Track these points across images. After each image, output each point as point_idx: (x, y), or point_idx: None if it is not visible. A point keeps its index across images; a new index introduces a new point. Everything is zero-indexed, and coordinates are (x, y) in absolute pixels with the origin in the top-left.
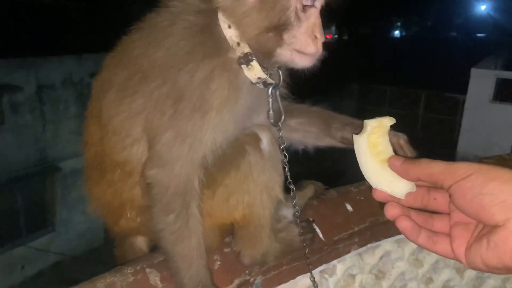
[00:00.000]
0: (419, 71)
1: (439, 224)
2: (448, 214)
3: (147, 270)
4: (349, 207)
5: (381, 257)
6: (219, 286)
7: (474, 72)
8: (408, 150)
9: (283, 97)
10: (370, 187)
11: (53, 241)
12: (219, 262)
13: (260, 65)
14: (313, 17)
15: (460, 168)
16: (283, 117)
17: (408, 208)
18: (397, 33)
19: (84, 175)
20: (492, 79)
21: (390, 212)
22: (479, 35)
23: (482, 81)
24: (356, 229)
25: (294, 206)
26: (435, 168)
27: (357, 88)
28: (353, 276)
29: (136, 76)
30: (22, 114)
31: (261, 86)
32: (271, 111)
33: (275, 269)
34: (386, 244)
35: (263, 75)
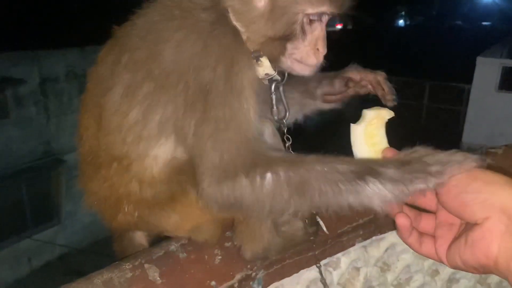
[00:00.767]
0: (424, 61)
1: (425, 223)
2: (435, 213)
3: (146, 265)
4: None
5: (386, 250)
6: (220, 281)
7: (480, 61)
8: (386, 86)
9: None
10: None
11: (59, 233)
12: (220, 257)
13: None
14: (318, 30)
15: None
16: (287, 114)
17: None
18: (401, 22)
19: (79, 170)
20: (497, 68)
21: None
22: (484, 23)
23: (487, 70)
24: (360, 221)
25: None
26: None
27: None
28: (357, 269)
29: (146, 83)
30: (26, 107)
31: (266, 81)
32: (274, 108)
33: (278, 263)
34: (391, 237)
35: (271, 72)
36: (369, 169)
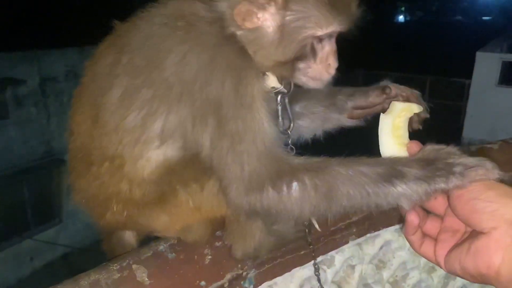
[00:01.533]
0: (424, 56)
1: (430, 225)
2: (441, 217)
3: (134, 266)
4: None
5: (381, 247)
6: (210, 281)
7: (479, 55)
8: (422, 102)
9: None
10: None
11: (60, 233)
12: (209, 257)
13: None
14: (328, 46)
15: None
16: (292, 125)
17: None
18: (401, 18)
19: (69, 166)
20: (497, 62)
21: None
22: (484, 18)
23: (487, 65)
24: (354, 219)
25: None
26: None
27: (362, 74)
28: (352, 267)
29: (145, 89)
30: (26, 107)
31: (272, 94)
32: (280, 119)
33: (269, 262)
34: (386, 234)
35: (277, 85)
36: (394, 170)
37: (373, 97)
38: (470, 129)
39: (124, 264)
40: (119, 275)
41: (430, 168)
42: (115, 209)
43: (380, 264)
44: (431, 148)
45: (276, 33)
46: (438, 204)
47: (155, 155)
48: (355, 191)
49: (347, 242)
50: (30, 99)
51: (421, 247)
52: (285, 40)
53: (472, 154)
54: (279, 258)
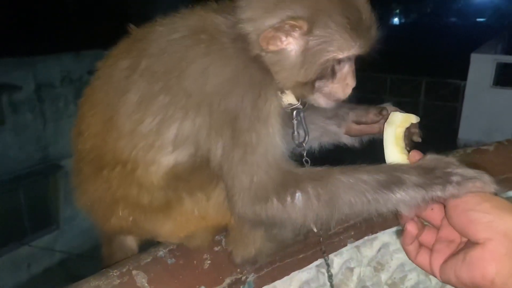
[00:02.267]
0: (419, 58)
1: (427, 235)
2: (437, 228)
3: (134, 272)
4: None
5: (379, 249)
6: (210, 285)
7: (474, 57)
8: (417, 128)
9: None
10: None
11: (57, 239)
12: (209, 261)
13: None
14: (347, 66)
15: None
16: (307, 138)
17: None
18: (396, 20)
19: (74, 168)
20: (492, 64)
21: None
22: (478, 20)
23: (482, 66)
24: (351, 222)
25: None
26: None
27: (358, 76)
28: (351, 269)
29: (162, 95)
30: (22, 113)
31: (288, 109)
32: (295, 133)
33: (268, 266)
34: (384, 236)
35: (294, 102)
36: (393, 177)
37: (372, 114)
38: (466, 130)
39: (124, 270)
40: (119, 281)
41: (429, 176)
42: (121, 213)
43: (378, 266)
44: (432, 157)
45: (299, 56)
46: (435, 214)
47: (166, 161)
48: (356, 199)
49: (345, 245)
50: (26, 105)
51: (417, 257)
52: (307, 62)
53: (470, 165)
54: (278, 262)
